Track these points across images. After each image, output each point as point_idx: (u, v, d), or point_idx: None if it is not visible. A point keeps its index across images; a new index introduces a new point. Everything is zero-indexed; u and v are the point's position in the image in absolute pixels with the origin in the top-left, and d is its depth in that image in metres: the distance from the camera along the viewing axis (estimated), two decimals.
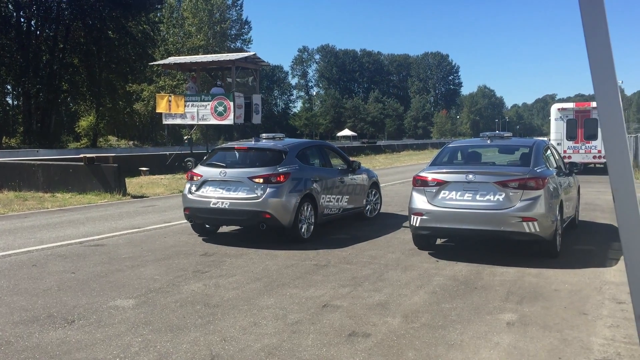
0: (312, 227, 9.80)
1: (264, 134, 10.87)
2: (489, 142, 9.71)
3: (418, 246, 9.05)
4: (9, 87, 52.73)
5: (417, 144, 72.86)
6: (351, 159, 11.99)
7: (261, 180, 9.13)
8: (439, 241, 9.47)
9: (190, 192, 9.66)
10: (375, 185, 12.49)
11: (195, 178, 9.70)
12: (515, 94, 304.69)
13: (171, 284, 6.98)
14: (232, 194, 9.25)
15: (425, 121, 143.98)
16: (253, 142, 10.26)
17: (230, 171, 9.50)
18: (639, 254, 1.32)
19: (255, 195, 9.09)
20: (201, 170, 9.77)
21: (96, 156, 18.39)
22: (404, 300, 6.28)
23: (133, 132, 66.01)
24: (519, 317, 5.70)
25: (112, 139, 62.68)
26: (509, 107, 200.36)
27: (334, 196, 10.57)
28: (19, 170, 17.60)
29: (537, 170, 8.36)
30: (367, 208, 12.12)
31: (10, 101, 56.95)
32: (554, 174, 8.89)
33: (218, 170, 9.54)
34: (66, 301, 6.26)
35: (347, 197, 11.10)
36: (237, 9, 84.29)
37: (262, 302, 6.20)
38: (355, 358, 4.67)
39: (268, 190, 9.07)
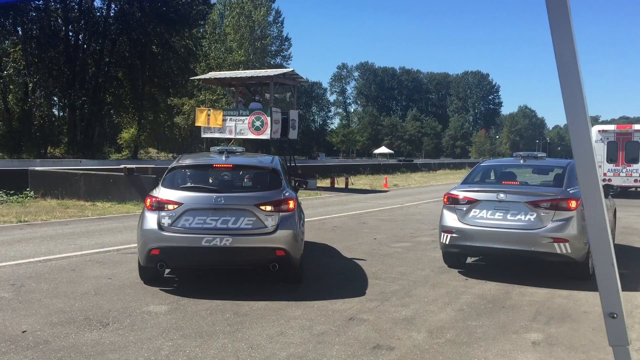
0: None
1: (216, 147, 8.64)
2: (522, 162, 9.69)
3: (448, 264, 9.06)
4: (55, 98, 54.49)
5: (454, 163, 72.35)
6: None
7: (270, 208, 7.12)
8: (469, 260, 9.46)
9: (161, 226, 7.03)
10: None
11: (169, 207, 7.10)
12: (557, 115, 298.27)
13: (202, 291, 7.16)
14: (232, 226, 7.02)
15: (463, 140, 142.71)
16: (224, 158, 7.88)
17: (230, 197, 7.19)
18: (604, 255, 1.44)
19: (265, 227, 7.06)
20: (177, 195, 7.18)
21: (136, 167, 18.90)
22: (430, 317, 6.32)
23: (173, 144, 67.37)
24: (545, 337, 5.69)
25: (153, 151, 64.08)
26: (551, 128, 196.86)
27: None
28: (62, 179, 18.23)
29: (570, 191, 8.32)
30: None
31: (56, 112, 58.83)
32: None
33: (209, 195, 7.20)
34: (102, 305, 6.49)
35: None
36: (278, 25, 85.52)
37: (290, 313, 6.32)
38: None
39: (281, 220, 7.13)
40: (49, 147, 50.29)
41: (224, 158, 7.87)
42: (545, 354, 5.20)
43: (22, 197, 17.42)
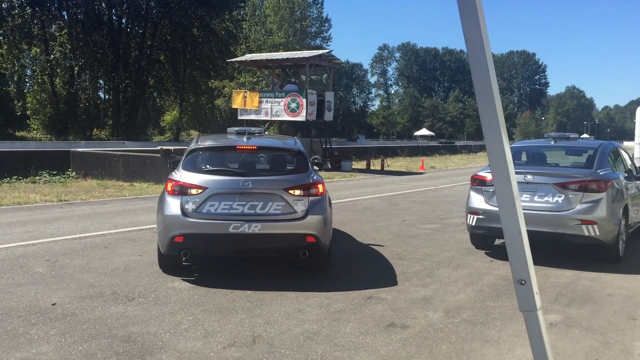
0: None
1: (234, 128, 8.22)
2: (552, 143, 9.56)
3: (475, 245, 9.04)
4: (101, 81, 55.83)
5: None
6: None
7: (299, 192, 6.80)
8: (498, 241, 9.39)
9: (184, 212, 6.65)
10: None
11: (192, 191, 6.71)
12: (606, 95, 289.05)
13: (226, 270, 7.34)
14: (260, 211, 6.68)
15: (508, 122, 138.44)
16: (246, 140, 7.48)
17: (257, 180, 6.86)
18: (513, 226, 1.47)
19: (295, 212, 6.74)
20: (200, 179, 6.79)
21: (173, 148, 19.25)
22: (449, 297, 6.34)
23: (214, 127, 68.25)
24: (564, 318, 5.65)
25: (194, 133, 65.03)
26: (600, 109, 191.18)
27: None
28: (102, 160, 18.80)
29: (600, 173, 8.17)
30: None
31: (102, 95, 60.30)
32: (620, 177, 8.65)
33: (236, 179, 6.82)
34: (130, 280, 6.73)
35: None
36: (317, 6, 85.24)
37: (310, 292, 6.42)
38: (390, 347, 4.81)
39: (311, 205, 6.81)
40: (95, 129, 51.64)
41: (245, 139, 7.47)
42: (561, 335, 5.18)
43: (64, 178, 18.06)
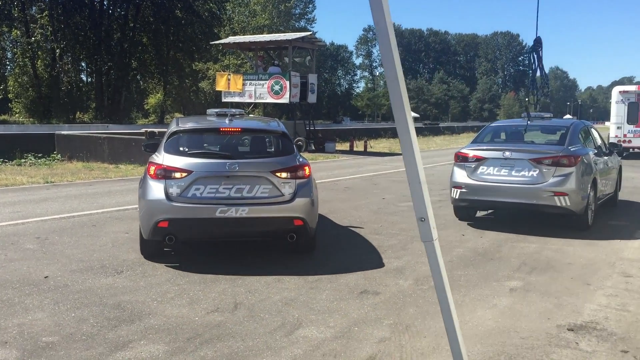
0: None
1: (213, 110, 8.12)
2: (529, 122, 10.13)
3: (458, 217, 9.69)
4: (83, 64, 55.39)
5: (478, 127, 71.74)
6: None
7: (286, 175, 6.72)
8: (479, 213, 9.96)
9: (169, 196, 6.48)
10: None
11: (176, 175, 6.53)
12: (589, 76, 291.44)
13: (211, 244, 7.68)
14: (247, 195, 6.57)
15: (491, 103, 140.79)
16: (228, 122, 7.40)
17: (243, 163, 6.74)
18: (414, 175, 1.85)
19: (282, 195, 6.66)
20: (184, 162, 6.62)
21: (158, 131, 19.47)
22: (420, 267, 6.75)
23: (199, 109, 68.09)
24: (524, 284, 6.09)
25: (179, 116, 64.91)
26: (583, 90, 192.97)
27: None
28: (87, 143, 18.99)
29: (571, 149, 8.79)
30: None
31: (84, 78, 59.85)
32: (590, 153, 9.27)
33: (222, 162, 6.70)
34: (118, 255, 7.06)
35: None
36: None
37: (290, 263, 6.82)
38: (361, 311, 5.22)
39: (298, 187, 6.75)
40: (78, 113, 51.38)
41: (227, 121, 7.38)
42: (519, 298, 5.61)
43: (50, 160, 18.25)
